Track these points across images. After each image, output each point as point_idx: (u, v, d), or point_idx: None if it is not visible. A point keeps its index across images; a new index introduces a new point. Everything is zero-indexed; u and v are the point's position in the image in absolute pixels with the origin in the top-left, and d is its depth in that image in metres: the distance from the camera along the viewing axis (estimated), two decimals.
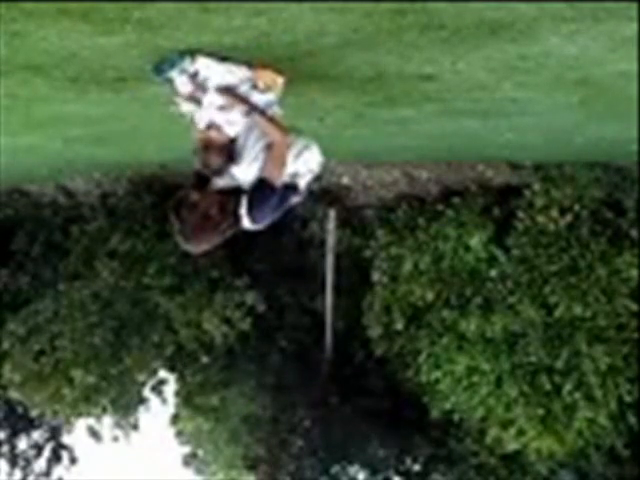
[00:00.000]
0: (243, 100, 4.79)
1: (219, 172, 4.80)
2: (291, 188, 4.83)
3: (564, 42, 4.37)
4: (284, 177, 4.74)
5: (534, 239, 10.55)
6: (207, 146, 4.78)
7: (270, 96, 4.96)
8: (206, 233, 4.57)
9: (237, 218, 4.61)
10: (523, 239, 10.60)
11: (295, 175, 4.88)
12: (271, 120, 4.76)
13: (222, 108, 4.83)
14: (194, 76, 4.80)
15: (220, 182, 4.80)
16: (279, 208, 4.77)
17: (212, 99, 4.83)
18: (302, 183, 4.91)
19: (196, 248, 4.69)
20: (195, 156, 4.87)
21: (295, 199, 4.90)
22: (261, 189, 4.62)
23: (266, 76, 4.92)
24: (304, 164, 4.92)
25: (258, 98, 4.90)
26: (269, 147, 4.69)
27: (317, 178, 13.47)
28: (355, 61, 4.95)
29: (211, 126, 4.84)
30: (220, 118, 4.84)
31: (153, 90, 5.61)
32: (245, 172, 4.76)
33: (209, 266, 12.34)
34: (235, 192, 4.67)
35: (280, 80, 4.98)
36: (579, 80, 5.30)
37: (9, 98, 5.89)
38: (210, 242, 4.62)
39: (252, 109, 4.78)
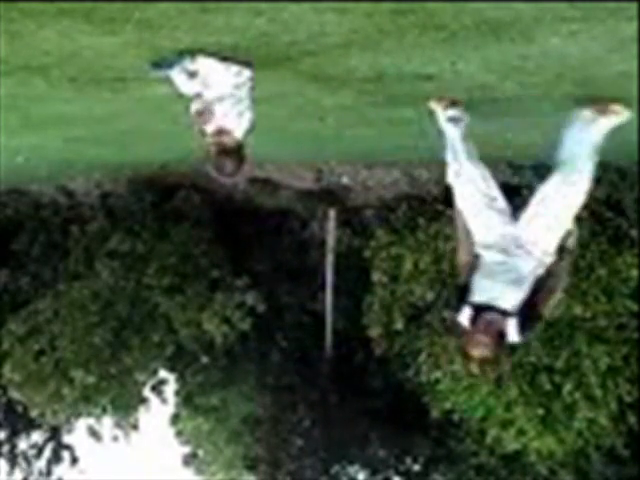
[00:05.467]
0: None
1: (233, 175, 4.91)
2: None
3: (564, 42, 4.37)
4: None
5: None
6: (221, 151, 4.84)
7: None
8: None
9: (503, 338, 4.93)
10: None
11: None
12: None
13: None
14: (193, 75, 4.81)
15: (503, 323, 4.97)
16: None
17: (224, 109, 4.87)
18: None
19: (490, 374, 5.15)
20: (208, 163, 4.94)
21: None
22: (529, 312, 4.96)
23: None
24: None
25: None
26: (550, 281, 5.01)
27: (317, 179, 13.35)
28: (355, 61, 4.95)
29: (221, 131, 4.87)
30: (232, 121, 4.88)
31: (153, 90, 5.62)
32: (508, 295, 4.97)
33: (209, 266, 12.34)
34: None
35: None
36: (579, 80, 5.30)
37: (9, 98, 5.89)
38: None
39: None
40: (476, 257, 5.13)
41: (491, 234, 5.15)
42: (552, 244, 5.07)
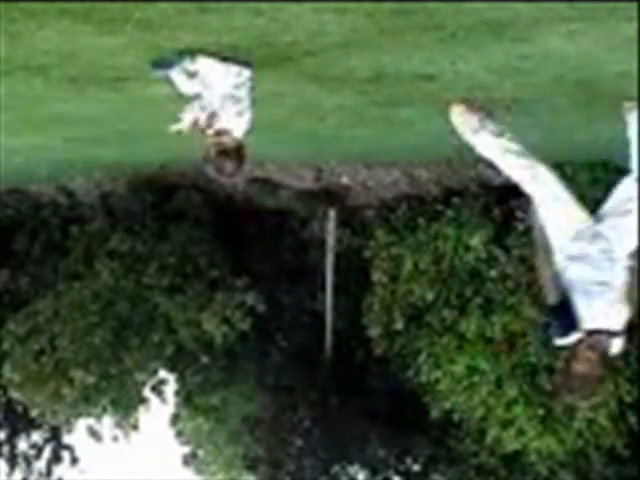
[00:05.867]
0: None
1: (233, 175, 4.89)
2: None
3: (564, 42, 4.37)
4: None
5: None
6: (221, 152, 4.82)
7: None
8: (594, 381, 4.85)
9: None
10: (523, 239, 10.59)
11: None
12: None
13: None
14: (193, 75, 4.81)
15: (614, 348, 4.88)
16: None
17: (225, 105, 4.86)
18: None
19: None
20: (206, 163, 4.92)
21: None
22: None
23: None
24: None
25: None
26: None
27: (317, 179, 13.31)
28: (355, 61, 4.95)
29: (221, 132, 4.86)
30: (231, 121, 4.87)
31: (153, 90, 5.62)
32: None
33: (209, 266, 12.34)
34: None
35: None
36: (579, 80, 5.31)
37: (9, 98, 5.89)
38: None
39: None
40: (556, 271, 4.91)
41: (572, 232, 5.01)
42: (633, 245, 4.89)
